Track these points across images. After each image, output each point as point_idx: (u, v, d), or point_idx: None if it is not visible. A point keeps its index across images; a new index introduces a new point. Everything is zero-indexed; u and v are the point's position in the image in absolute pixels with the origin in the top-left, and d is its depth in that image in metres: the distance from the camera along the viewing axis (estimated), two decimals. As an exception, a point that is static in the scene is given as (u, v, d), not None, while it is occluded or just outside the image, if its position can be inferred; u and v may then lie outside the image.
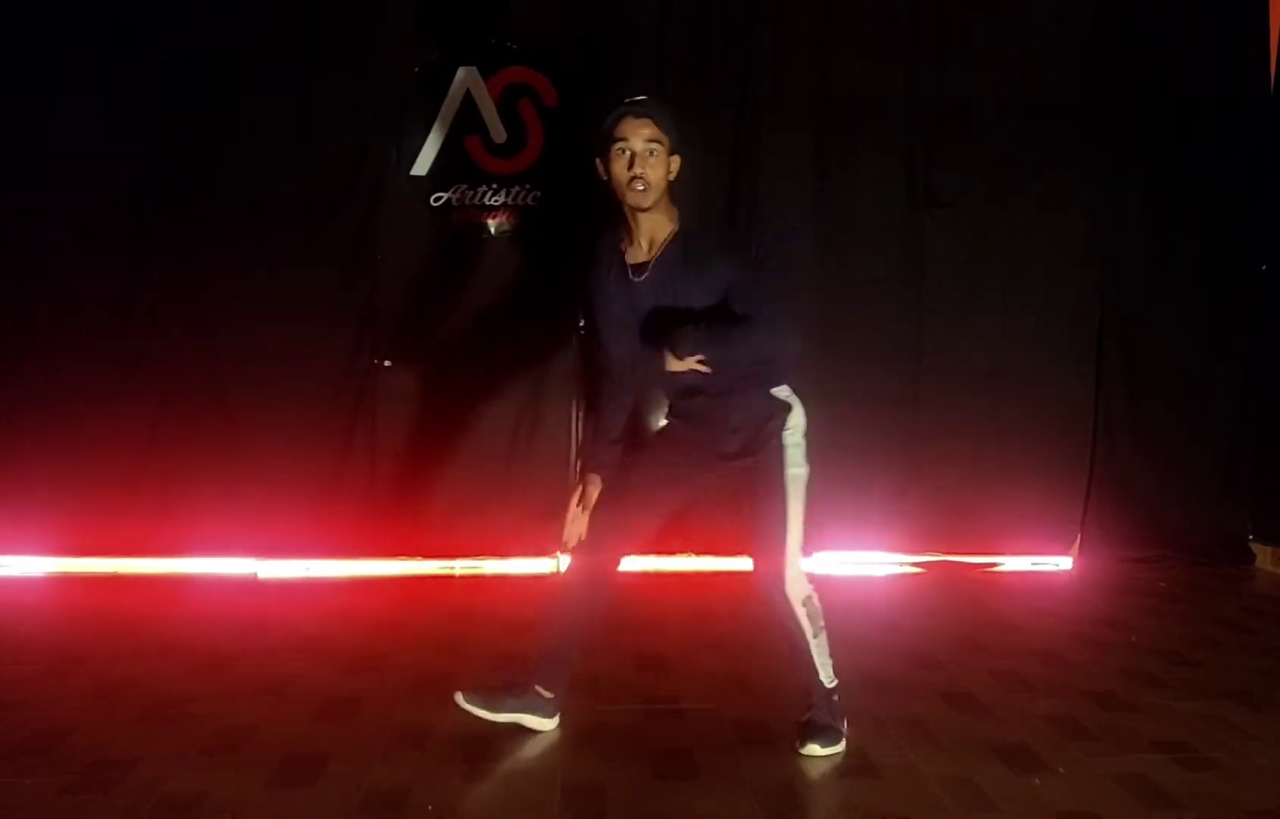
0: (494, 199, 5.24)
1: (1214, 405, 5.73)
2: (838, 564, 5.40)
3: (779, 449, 3.06)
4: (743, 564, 4.83)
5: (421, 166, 5.20)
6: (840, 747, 3.13)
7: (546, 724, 3.23)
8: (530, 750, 3.13)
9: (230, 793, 2.77)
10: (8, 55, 4.95)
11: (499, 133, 5.22)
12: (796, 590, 3.08)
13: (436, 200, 5.20)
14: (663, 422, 3.23)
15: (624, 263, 3.06)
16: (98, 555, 5.06)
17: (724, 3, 5.34)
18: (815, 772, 3.02)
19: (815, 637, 3.12)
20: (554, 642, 3.23)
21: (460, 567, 5.26)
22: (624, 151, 2.93)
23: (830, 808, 2.77)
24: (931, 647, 4.17)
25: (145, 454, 5.07)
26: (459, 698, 3.20)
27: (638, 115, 2.95)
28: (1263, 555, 5.71)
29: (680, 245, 3.02)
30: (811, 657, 3.12)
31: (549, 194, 5.24)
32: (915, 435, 5.53)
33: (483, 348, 5.25)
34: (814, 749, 3.09)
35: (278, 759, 2.98)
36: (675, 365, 2.88)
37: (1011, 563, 5.60)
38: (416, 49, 5.18)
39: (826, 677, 3.16)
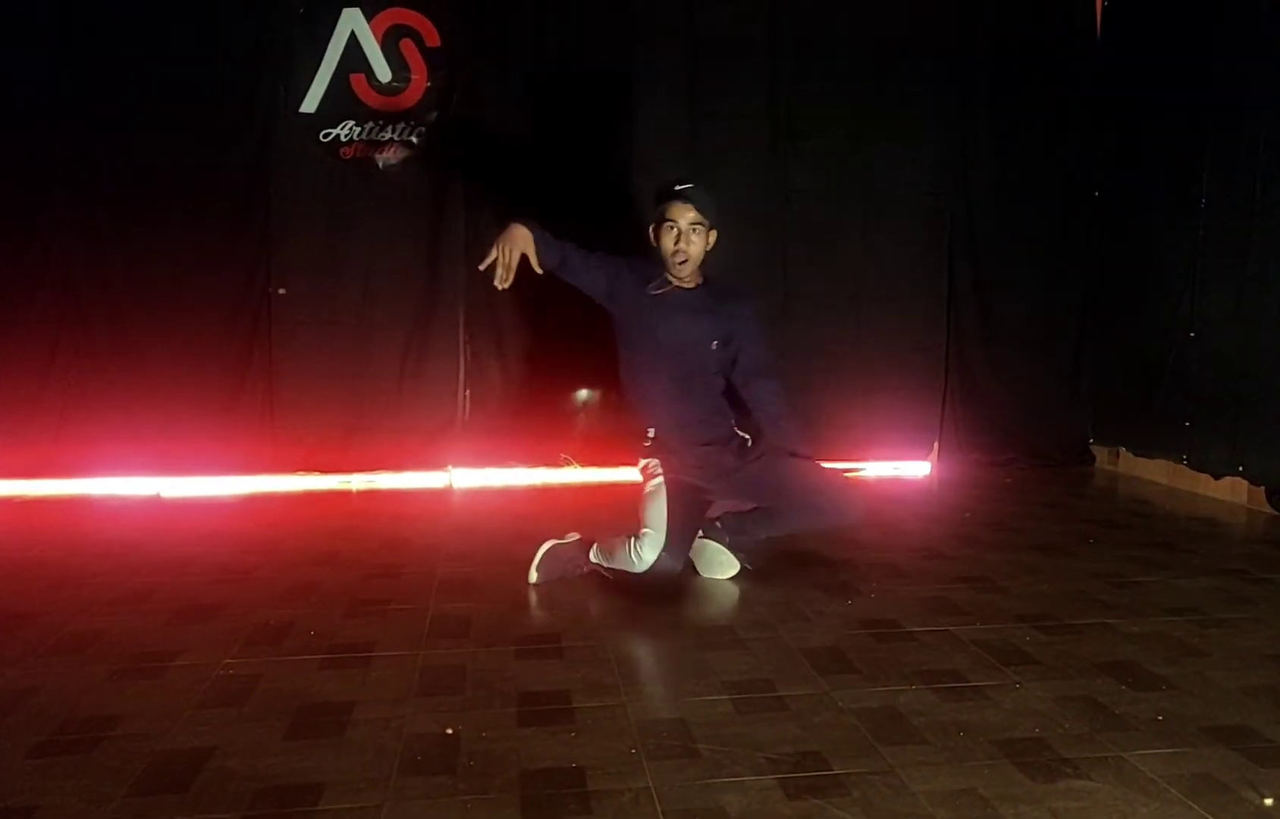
0: (381, 135, 5.53)
1: (1057, 321, 6.26)
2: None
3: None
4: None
5: (310, 104, 5.46)
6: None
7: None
8: (406, 593, 3.50)
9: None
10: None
11: (384, 71, 5.51)
12: None
13: (325, 136, 5.48)
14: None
15: (662, 278, 3.70)
16: (-1, 477, 5.26)
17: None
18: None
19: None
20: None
21: (357, 481, 5.56)
22: (672, 228, 3.60)
23: (689, 671, 2.90)
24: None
25: (43, 380, 5.26)
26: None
27: (685, 200, 3.59)
28: (1101, 456, 6.25)
29: (706, 288, 3.76)
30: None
31: (432, 130, 5.56)
32: (782, 354, 5.91)
33: (373, 275, 5.55)
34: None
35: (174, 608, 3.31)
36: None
37: (874, 468, 6.05)
38: (303, -10, 5.46)
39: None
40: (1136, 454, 5.97)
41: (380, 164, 5.54)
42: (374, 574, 3.77)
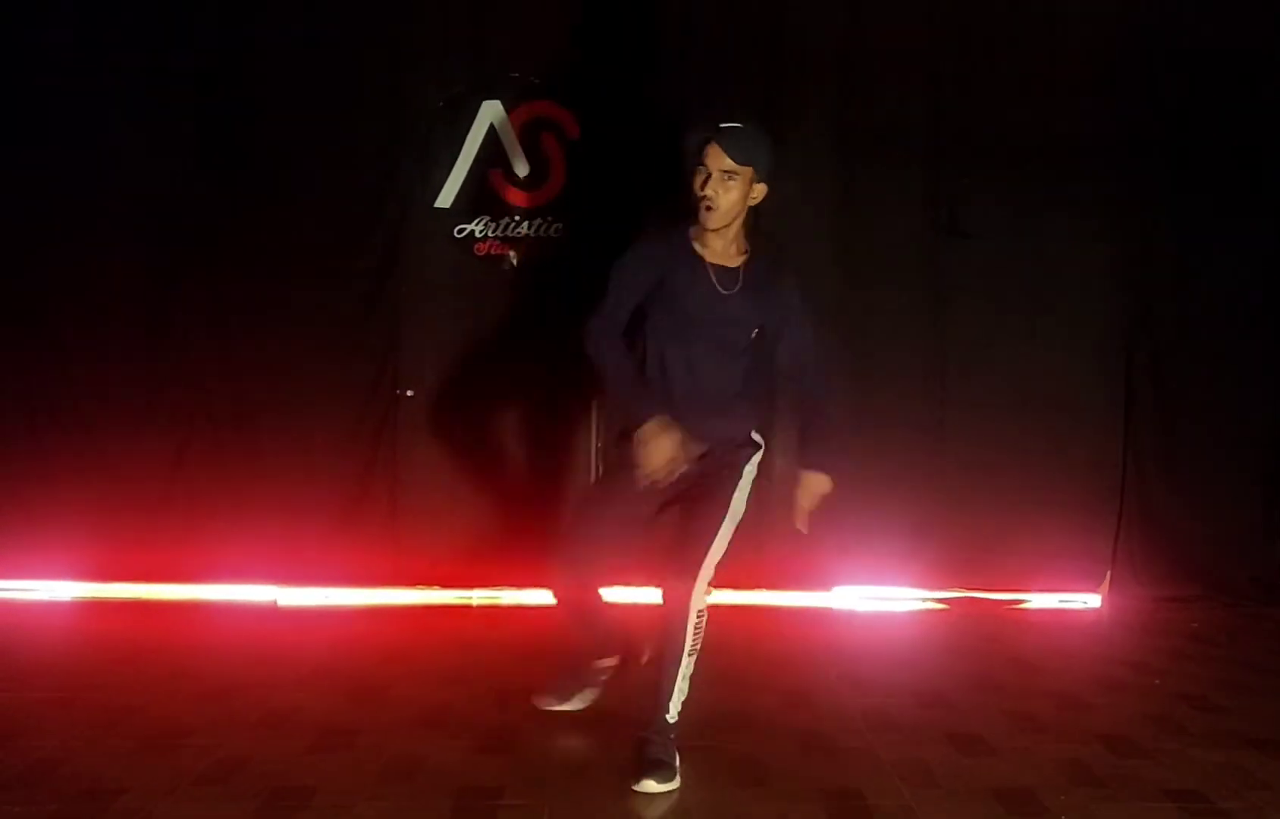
0: (516, 231, 5.27)
1: (1250, 438, 5.61)
2: (858, 599, 5.34)
3: (737, 470, 3.24)
4: (751, 599, 4.86)
5: (445, 199, 5.24)
6: (675, 784, 3.08)
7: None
8: (518, 780, 3.12)
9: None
10: (49, 91, 5.08)
11: (522, 165, 5.26)
12: (698, 600, 3.09)
13: (459, 232, 5.25)
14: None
15: (698, 257, 3.24)
16: (121, 580, 5.15)
17: (743, 36, 5.33)
18: (655, 811, 2.97)
19: (689, 654, 3.11)
20: (585, 632, 3.54)
21: (477, 596, 5.27)
22: (701, 172, 3.13)
23: None
24: (944, 685, 4.10)
25: (170, 479, 5.17)
26: (536, 700, 3.60)
27: (714, 144, 3.12)
28: (1300, 595, 5.55)
29: (747, 272, 3.26)
30: (675, 673, 3.10)
31: (571, 226, 5.27)
32: (939, 467, 5.43)
33: (503, 379, 5.28)
34: (649, 785, 3.03)
35: (269, 789, 3.01)
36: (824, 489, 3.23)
37: (1038, 600, 5.49)
38: (441, 83, 5.24)
39: (674, 707, 3.14)
40: (1348, 598, 5.28)
41: (515, 261, 5.27)
42: (487, 748, 3.38)
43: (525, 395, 5.29)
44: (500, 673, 4.11)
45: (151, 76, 5.11)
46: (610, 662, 3.58)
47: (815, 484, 3.24)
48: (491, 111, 5.25)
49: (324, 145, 5.17)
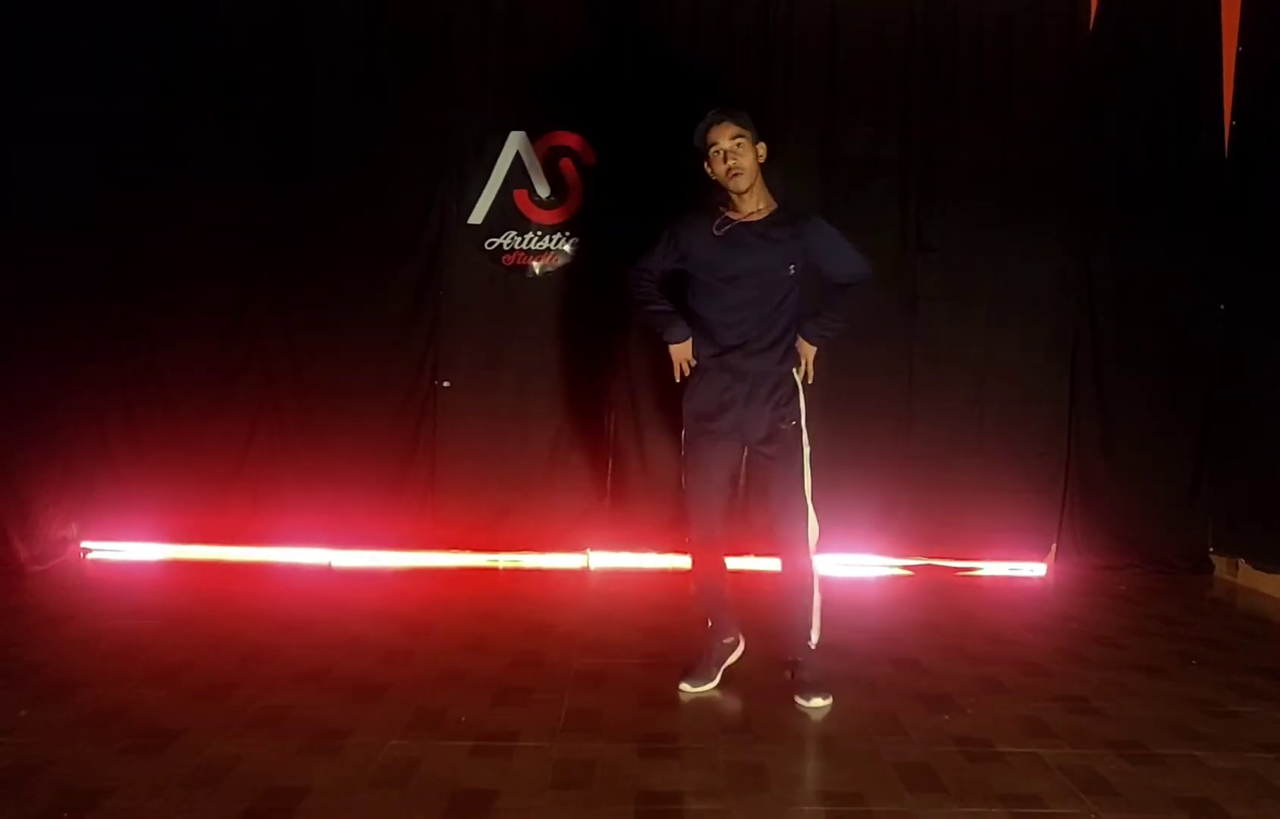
0: (538, 244, 6.10)
1: (1179, 428, 6.37)
2: (834, 567, 6.11)
3: (797, 444, 3.90)
4: (740, 564, 5.61)
5: (477, 216, 6.08)
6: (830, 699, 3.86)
7: (739, 649, 4.14)
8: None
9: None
10: (136, 111, 5.91)
11: (544, 188, 6.09)
12: (813, 562, 3.96)
13: (490, 245, 6.08)
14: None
15: (724, 217, 3.88)
16: (197, 543, 6.01)
17: (738, 80, 6.15)
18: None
19: (818, 591, 3.97)
20: (716, 610, 4.12)
21: (504, 560, 6.10)
22: (718, 152, 3.80)
23: (792, 780, 3.30)
24: (899, 631, 4.91)
25: (242, 456, 6.02)
26: (682, 687, 3.98)
27: (719, 122, 3.81)
28: (1220, 566, 6.33)
29: (780, 213, 3.91)
30: (810, 610, 3.96)
31: (586, 240, 6.10)
32: (906, 452, 6.23)
33: (528, 370, 6.12)
34: (816, 701, 3.83)
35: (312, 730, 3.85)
36: (807, 353, 3.93)
37: (991, 569, 6.28)
38: (476, 116, 6.08)
39: (814, 636, 3.98)
40: (1256, 567, 6.04)
41: (537, 270, 6.09)
42: (503, 702, 3.85)
43: (546, 385, 6.12)
44: (514, 641, 4.64)
45: (228, 107, 5.98)
46: (731, 640, 4.10)
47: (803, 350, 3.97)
48: (518, 140, 6.09)
49: (376, 172, 6.02)
